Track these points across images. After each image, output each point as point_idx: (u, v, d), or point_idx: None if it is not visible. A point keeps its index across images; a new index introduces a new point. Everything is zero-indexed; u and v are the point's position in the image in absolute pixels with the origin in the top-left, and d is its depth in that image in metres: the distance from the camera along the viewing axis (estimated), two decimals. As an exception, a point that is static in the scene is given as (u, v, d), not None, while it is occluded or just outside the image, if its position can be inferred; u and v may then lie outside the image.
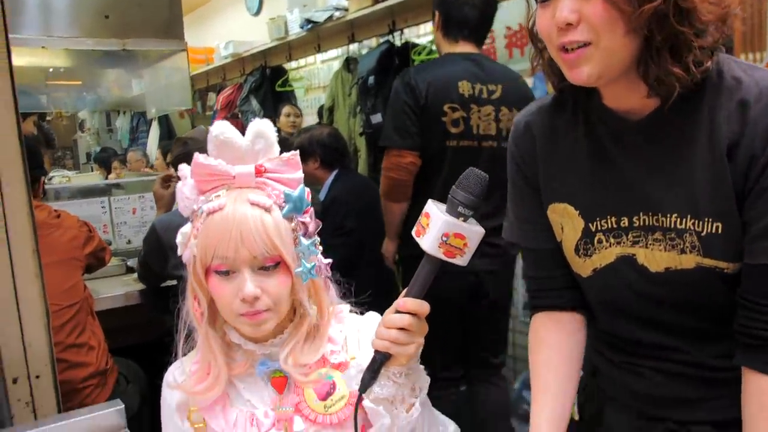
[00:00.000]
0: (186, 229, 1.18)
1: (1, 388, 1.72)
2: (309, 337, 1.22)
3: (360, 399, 1.08)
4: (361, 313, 1.32)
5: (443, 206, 1.01)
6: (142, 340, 2.59)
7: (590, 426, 1.24)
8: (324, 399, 1.20)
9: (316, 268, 1.19)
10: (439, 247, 0.99)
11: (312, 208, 1.20)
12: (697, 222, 1.00)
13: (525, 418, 3.22)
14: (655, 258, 1.05)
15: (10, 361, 1.76)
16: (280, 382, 1.22)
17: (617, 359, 1.18)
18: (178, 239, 1.20)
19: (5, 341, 1.75)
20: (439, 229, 0.98)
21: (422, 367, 1.14)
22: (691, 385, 1.10)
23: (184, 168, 1.18)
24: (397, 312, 1.04)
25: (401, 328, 1.03)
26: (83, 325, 2.33)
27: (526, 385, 3.32)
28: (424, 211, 1.02)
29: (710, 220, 0.98)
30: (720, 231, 0.98)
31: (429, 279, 1.04)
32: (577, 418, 1.27)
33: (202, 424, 1.24)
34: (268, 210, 1.12)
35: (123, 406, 1.54)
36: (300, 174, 1.17)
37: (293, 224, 1.15)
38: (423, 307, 1.04)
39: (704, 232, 0.99)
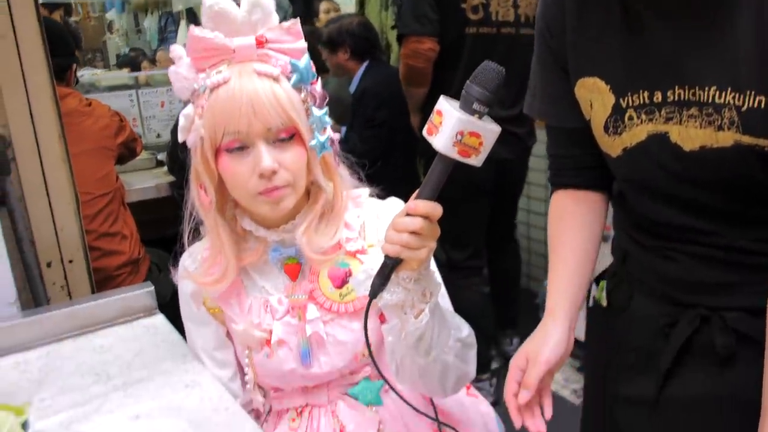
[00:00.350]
0: (187, 110, 1.11)
1: (36, 271, 1.74)
2: (324, 217, 1.19)
3: (369, 305, 1.05)
4: (382, 198, 1.28)
5: (456, 103, 0.93)
6: (174, 232, 2.60)
7: (619, 313, 1.21)
8: (339, 287, 1.18)
9: (329, 141, 1.15)
10: (453, 146, 0.92)
11: (319, 79, 1.15)
12: (737, 95, 0.92)
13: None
14: (690, 135, 0.98)
15: (44, 246, 1.78)
16: (294, 268, 1.20)
17: (648, 243, 1.13)
18: (181, 122, 1.13)
19: (37, 226, 1.76)
20: (453, 127, 0.91)
21: (434, 271, 1.10)
22: (724, 269, 1.05)
23: (176, 49, 1.10)
24: (408, 215, 0.98)
25: (412, 232, 0.97)
26: (116, 214, 2.35)
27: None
28: (435, 108, 0.94)
29: (753, 93, 0.90)
30: (762, 105, 0.90)
31: (441, 180, 0.97)
32: (605, 304, 1.24)
33: (217, 310, 1.23)
34: (276, 80, 1.07)
35: (153, 287, 1.56)
36: (303, 43, 1.11)
37: (302, 95, 1.10)
38: (435, 209, 0.97)
39: (745, 107, 0.91)
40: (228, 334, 1.26)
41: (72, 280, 1.83)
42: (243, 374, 1.26)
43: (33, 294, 1.74)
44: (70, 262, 1.83)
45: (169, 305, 1.61)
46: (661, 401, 1.14)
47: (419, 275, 1.03)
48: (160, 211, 2.83)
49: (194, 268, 1.23)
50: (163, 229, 2.81)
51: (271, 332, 1.18)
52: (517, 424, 1.08)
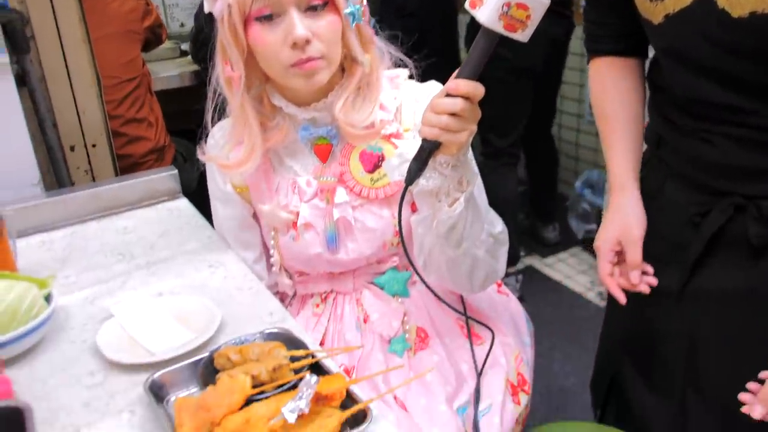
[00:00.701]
0: None
1: (59, 155, 1.72)
2: (360, 93, 1.13)
3: (405, 191, 0.99)
4: (422, 81, 1.21)
5: None
6: (199, 124, 2.55)
7: (650, 201, 1.16)
8: (371, 171, 1.13)
9: (363, 11, 1.08)
10: (498, 19, 0.85)
11: None
12: None
13: (583, 218, 3.22)
14: (740, 0, 0.89)
15: (66, 129, 1.76)
16: (324, 149, 1.15)
17: (684, 124, 1.07)
18: None
19: (59, 108, 1.73)
20: None
21: (472, 159, 1.04)
22: (763, 153, 0.98)
23: None
24: (448, 95, 0.92)
25: (452, 114, 0.91)
26: (142, 100, 2.31)
27: (587, 185, 3.25)
28: None
29: None
30: None
31: (484, 58, 0.90)
32: None
33: (244, 189, 1.20)
34: None
35: (177, 171, 1.53)
36: None
37: None
38: (477, 89, 0.90)
39: None
40: (254, 216, 1.24)
41: (96, 165, 1.81)
42: (269, 256, 1.24)
43: (57, 177, 1.72)
44: (94, 146, 1.80)
45: (194, 194, 1.59)
46: (687, 293, 1.11)
47: (457, 161, 0.97)
48: (183, 102, 2.78)
49: (218, 150, 1.19)
50: (186, 119, 2.77)
51: (298, 214, 1.15)
52: (622, 300, 1.12)
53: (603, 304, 2.82)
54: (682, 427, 1.19)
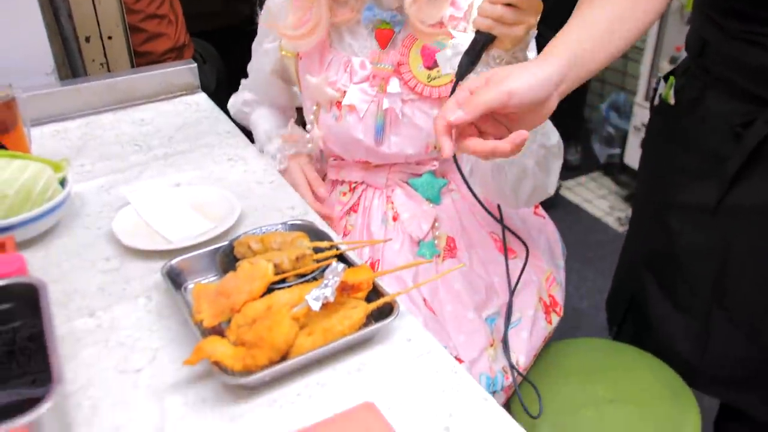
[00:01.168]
0: None
1: (74, 45, 1.66)
2: None
3: (456, 86, 0.92)
4: None
5: None
6: (220, 26, 2.47)
7: (687, 112, 1.10)
8: (430, 68, 1.07)
9: None
10: None
11: None
12: None
13: (607, 141, 3.14)
14: None
15: (82, 20, 1.69)
16: (385, 35, 1.09)
17: (734, 27, 0.99)
18: None
19: (75, -2, 1.66)
20: None
21: (529, 57, 0.96)
22: None
23: None
24: None
25: (508, 4, 0.84)
26: (163, -5, 2.23)
27: (612, 107, 3.15)
28: None
29: None
30: None
31: None
32: (672, 102, 1.12)
33: (292, 54, 1.18)
34: None
35: (196, 65, 1.48)
36: None
37: None
38: None
39: None
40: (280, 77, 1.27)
41: (111, 58, 1.75)
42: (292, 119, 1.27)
43: (72, 69, 1.67)
44: (110, 38, 1.74)
45: (212, 96, 1.53)
46: (723, 207, 1.06)
47: (512, 58, 0.90)
48: (207, 5, 2.70)
49: (277, 9, 1.16)
50: (205, 21, 2.69)
51: (344, 94, 1.11)
52: (445, 152, 0.77)
53: (621, 229, 2.78)
54: (704, 344, 1.17)
